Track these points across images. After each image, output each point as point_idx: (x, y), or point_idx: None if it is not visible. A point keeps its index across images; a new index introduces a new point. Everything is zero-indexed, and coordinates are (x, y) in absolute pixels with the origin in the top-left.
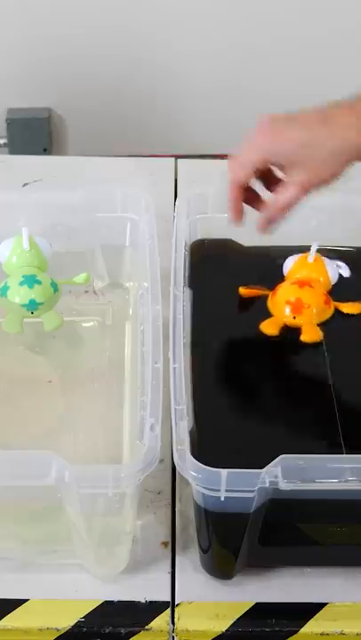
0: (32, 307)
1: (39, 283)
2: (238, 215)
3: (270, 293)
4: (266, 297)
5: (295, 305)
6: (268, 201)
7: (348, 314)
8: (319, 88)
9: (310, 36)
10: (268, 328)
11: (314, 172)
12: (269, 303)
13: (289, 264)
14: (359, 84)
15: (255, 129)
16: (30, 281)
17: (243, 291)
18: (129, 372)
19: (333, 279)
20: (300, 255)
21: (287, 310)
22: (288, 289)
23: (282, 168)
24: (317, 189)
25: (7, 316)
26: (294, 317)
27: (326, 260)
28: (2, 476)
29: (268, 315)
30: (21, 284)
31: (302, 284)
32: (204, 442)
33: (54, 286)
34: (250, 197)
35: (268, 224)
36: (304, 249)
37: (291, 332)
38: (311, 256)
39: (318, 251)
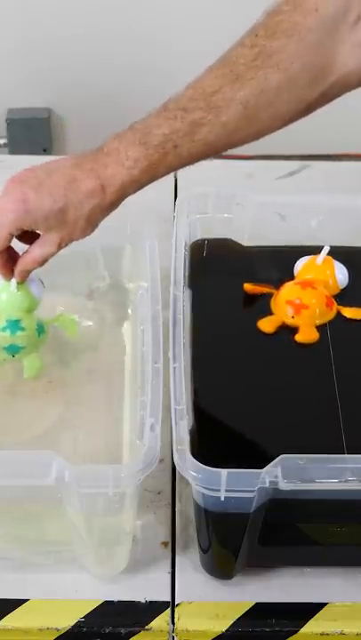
0: (13, 350)
1: (23, 330)
2: (9, 276)
3: (275, 292)
4: (269, 295)
5: (295, 305)
6: (25, 253)
7: (350, 318)
8: None
9: None
10: (266, 326)
11: (67, 233)
12: (272, 302)
13: (300, 264)
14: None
15: (5, 194)
16: (13, 327)
17: (248, 287)
18: (129, 372)
19: (342, 283)
20: (312, 256)
21: (288, 310)
22: (291, 289)
23: (35, 230)
24: (70, 243)
25: None
26: (293, 317)
27: (337, 264)
28: (2, 475)
29: (267, 314)
30: (4, 329)
31: (305, 284)
32: (204, 442)
33: (40, 329)
34: (12, 256)
35: (24, 274)
36: (306, 249)
37: (288, 332)
38: (320, 258)
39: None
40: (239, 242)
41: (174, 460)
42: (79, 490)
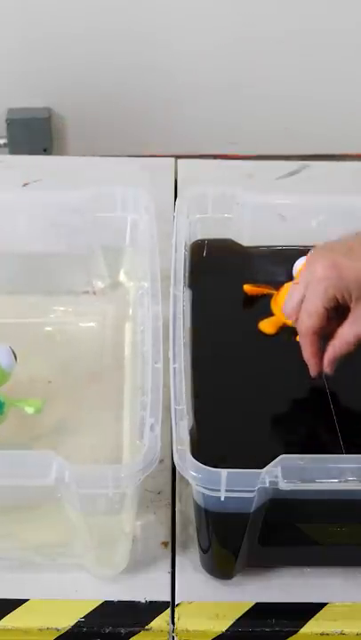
0: None
1: None
2: (320, 367)
3: (275, 293)
4: (270, 296)
5: None
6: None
7: None
8: (319, 88)
9: (310, 36)
10: (267, 327)
11: None
12: (273, 302)
13: (298, 265)
14: (359, 85)
15: (310, 265)
16: None
17: (247, 288)
18: (129, 373)
19: None
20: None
21: None
22: (290, 288)
23: (347, 302)
24: None
25: None
26: None
27: None
28: (2, 475)
29: (268, 315)
30: None
31: None
32: (204, 442)
33: None
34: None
35: (333, 363)
36: (306, 249)
37: (289, 332)
38: None
39: None
40: (239, 242)
41: (174, 460)
42: (79, 490)
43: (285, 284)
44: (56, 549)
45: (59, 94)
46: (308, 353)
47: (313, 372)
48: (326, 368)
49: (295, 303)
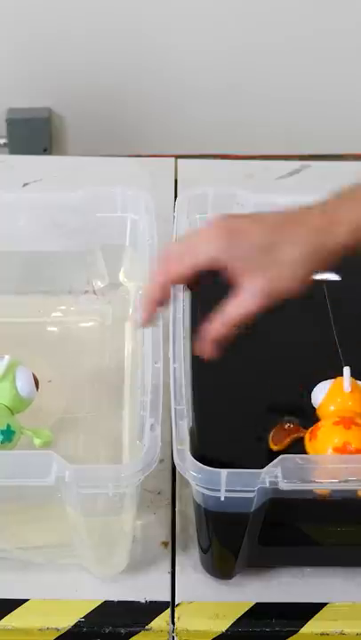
0: None
1: None
2: (151, 321)
3: (308, 434)
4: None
5: (342, 451)
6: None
7: None
8: (319, 88)
9: (310, 36)
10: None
11: (276, 275)
12: (308, 446)
13: (320, 394)
14: (359, 85)
15: (209, 223)
16: None
17: (274, 447)
18: (129, 372)
19: None
20: (332, 382)
21: None
22: (332, 431)
23: (234, 273)
24: (279, 298)
25: None
26: None
27: None
28: (2, 475)
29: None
30: None
31: (348, 423)
32: (204, 442)
33: (7, 434)
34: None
35: (213, 342)
36: None
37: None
38: (347, 384)
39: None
40: None
41: (174, 460)
42: (79, 490)
43: (320, 424)
44: (56, 549)
45: (59, 94)
46: (146, 301)
47: (142, 323)
48: (208, 350)
49: (182, 251)
